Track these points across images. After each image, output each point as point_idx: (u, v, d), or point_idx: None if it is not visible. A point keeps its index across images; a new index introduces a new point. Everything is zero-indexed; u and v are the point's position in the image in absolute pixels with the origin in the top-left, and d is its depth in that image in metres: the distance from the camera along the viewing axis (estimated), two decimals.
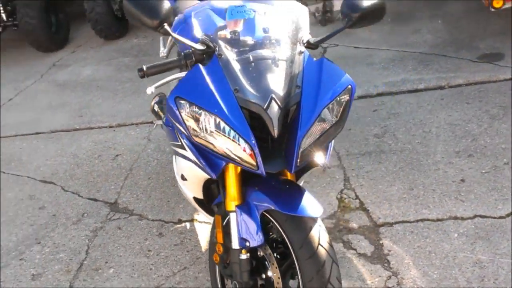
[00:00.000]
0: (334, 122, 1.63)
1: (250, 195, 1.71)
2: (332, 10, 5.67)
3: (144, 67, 1.67)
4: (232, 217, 1.71)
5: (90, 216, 3.00)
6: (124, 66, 5.48)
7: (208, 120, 1.54)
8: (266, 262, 1.76)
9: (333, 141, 1.81)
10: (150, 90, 1.64)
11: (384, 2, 1.77)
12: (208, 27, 1.81)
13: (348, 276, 2.25)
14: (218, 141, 1.54)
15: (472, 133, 3.14)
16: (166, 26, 1.63)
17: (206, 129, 1.55)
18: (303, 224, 1.61)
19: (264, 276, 1.77)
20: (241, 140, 1.51)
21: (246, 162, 1.54)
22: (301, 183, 2.00)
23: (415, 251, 2.33)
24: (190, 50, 1.69)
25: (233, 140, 1.52)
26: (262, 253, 1.76)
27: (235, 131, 1.51)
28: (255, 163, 1.52)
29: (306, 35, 1.78)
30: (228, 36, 1.69)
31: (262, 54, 1.64)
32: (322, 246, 1.59)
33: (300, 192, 1.69)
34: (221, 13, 1.83)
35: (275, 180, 1.74)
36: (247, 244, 1.68)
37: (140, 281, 2.44)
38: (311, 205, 1.63)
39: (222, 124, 1.52)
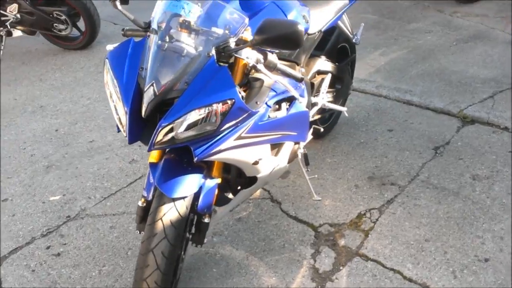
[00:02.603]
0: (211, 126, 1.80)
1: (162, 159, 2.07)
2: None
3: (125, 29, 2.10)
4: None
5: None
6: None
7: (113, 85, 1.92)
8: None
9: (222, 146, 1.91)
10: (109, 47, 2.09)
11: (298, 32, 1.74)
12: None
13: (281, 276, 2.40)
14: (114, 103, 1.93)
15: None
16: (117, 1, 2.02)
17: (111, 91, 1.94)
18: (162, 197, 1.92)
19: None
20: (123, 108, 1.86)
21: (123, 127, 1.90)
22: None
23: None
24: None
25: (121, 107, 1.89)
26: None
27: (121, 99, 1.87)
28: (124, 130, 1.89)
29: (229, 44, 1.86)
30: (163, 23, 1.93)
31: (176, 47, 1.86)
32: (162, 221, 1.89)
33: (184, 174, 1.94)
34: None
35: (188, 158, 1.99)
36: (144, 194, 2.09)
37: None
38: (178, 187, 1.90)
39: (118, 91, 1.89)
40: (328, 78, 2.92)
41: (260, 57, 1.90)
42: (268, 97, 2.06)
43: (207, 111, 1.78)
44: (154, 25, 1.96)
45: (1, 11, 5.33)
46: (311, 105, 2.73)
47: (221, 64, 1.89)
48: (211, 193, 2.08)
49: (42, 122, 4.06)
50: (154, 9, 2.04)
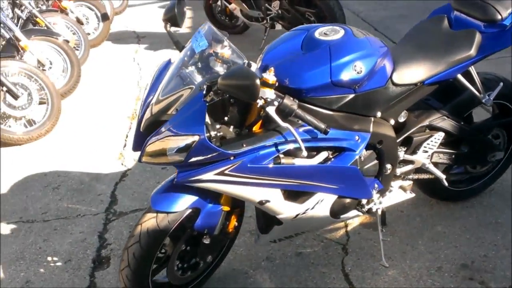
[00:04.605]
0: (180, 156, 1.91)
1: None
2: None
3: None
4: None
5: None
6: None
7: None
8: None
9: None
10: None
11: (252, 86, 1.71)
12: None
13: None
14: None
15: None
16: (168, 25, 2.22)
17: None
18: (151, 209, 2.17)
19: None
20: (137, 118, 2.14)
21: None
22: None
23: None
24: None
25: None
26: None
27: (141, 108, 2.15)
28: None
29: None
30: (186, 51, 2.11)
31: (184, 74, 2.04)
32: (141, 226, 2.13)
33: (179, 192, 2.12)
34: None
35: None
36: None
37: None
38: (163, 201, 2.12)
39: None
40: (438, 136, 2.52)
41: (274, 99, 1.87)
42: (273, 142, 2.01)
43: (179, 140, 1.91)
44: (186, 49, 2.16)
45: (268, 6, 6.05)
46: (397, 161, 2.45)
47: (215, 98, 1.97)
48: (214, 218, 2.21)
49: None
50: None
